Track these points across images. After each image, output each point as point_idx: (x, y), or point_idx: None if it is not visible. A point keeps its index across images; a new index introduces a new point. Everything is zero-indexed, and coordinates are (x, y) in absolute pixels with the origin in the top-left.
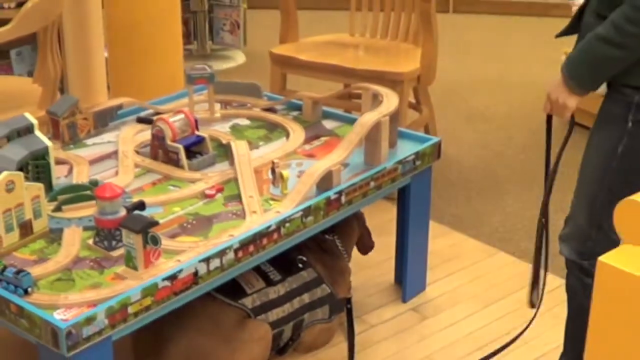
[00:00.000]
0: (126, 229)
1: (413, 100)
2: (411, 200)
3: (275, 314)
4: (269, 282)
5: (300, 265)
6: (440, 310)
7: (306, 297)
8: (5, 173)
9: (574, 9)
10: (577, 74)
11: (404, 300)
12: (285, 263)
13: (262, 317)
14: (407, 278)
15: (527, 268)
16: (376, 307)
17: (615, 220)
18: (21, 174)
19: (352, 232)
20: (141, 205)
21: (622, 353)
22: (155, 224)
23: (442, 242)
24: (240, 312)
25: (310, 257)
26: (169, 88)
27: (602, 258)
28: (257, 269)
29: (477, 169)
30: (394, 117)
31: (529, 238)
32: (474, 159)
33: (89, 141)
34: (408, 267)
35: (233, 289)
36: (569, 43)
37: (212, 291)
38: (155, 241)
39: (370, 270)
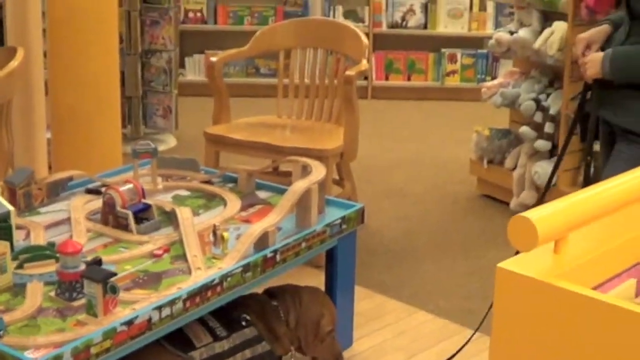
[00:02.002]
0: (88, 279)
1: (336, 177)
2: (338, 261)
3: None
4: (216, 338)
5: (244, 324)
6: None
7: (248, 353)
8: None
9: (484, 90)
10: (615, 65)
11: None
12: (231, 321)
13: None
14: (336, 334)
15: (444, 324)
16: None
17: (509, 234)
18: None
19: (303, 312)
20: (98, 261)
21: (524, 351)
22: (113, 274)
23: (366, 303)
24: None
25: (253, 316)
26: (107, 168)
27: (501, 265)
28: (205, 325)
29: (396, 239)
30: (322, 186)
31: (446, 297)
32: (394, 231)
33: (43, 209)
34: (336, 324)
35: (183, 342)
36: (481, 122)
37: (164, 343)
38: (114, 290)
39: None
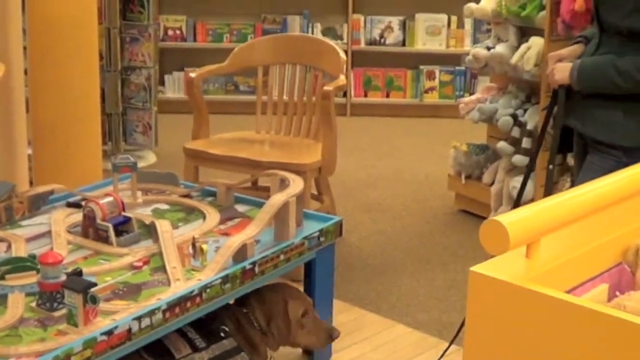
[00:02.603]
0: (69, 289)
1: (315, 192)
2: (317, 274)
3: None
4: (195, 349)
5: (222, 335)
6: None
7: None
8: None
9: (462, 106)
10: (583, 75)
11: None
12: (209, 332)
13: None
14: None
15: (422, 337)
16: None
17: (481, 238)
18: None
19: (268, 309)
20: (79, 272)
21: (497, 354)
22: (94, 285)
23: (345, 317)
24: None
25: (231, 327)
26: (88, 184)
27: (474, 268)
28: (185, 336)
29: (375, 254)
30: (300, 199)
31: (424, 311)
32: (373, 245)
33: (24, 223)
34: (310, 306)
35: (163, 354)
36: (459, 138)
37: (145, 355)
38: (94, 300)
39: None
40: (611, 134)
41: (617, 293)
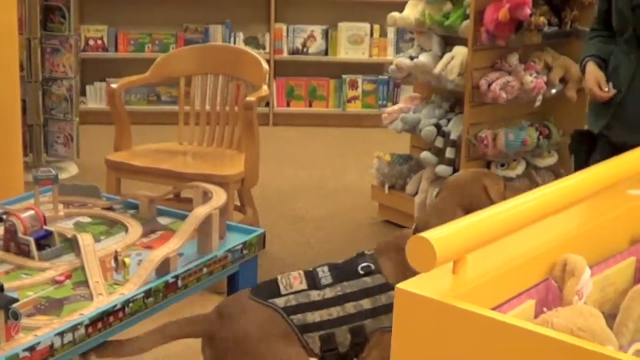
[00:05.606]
0: None
1: (238, 204)
2: (240, 287)
3: (319, 315)
4: (315, 286)
5: (362, 272)
6: None
7: (366, 303)
8: None
9: (384, 115)
10: None
11: None
12: (347, 269)
13: (299, 317)
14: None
15: None
16: None
17: (408, 255)
18: None
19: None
20: (0, 288)
21: None
22: (15, 300)
23: None
24: None
25: (387, 263)
26: (9, 196)
27: (400, 285)
28: (310, 272)
29: (298, 265)
30: (223, 211)
31: None
32: (296, 256)
33: None
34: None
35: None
36: (382, 148)
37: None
38: (16, 316)
39: None
40: None
41: (545, 309)
